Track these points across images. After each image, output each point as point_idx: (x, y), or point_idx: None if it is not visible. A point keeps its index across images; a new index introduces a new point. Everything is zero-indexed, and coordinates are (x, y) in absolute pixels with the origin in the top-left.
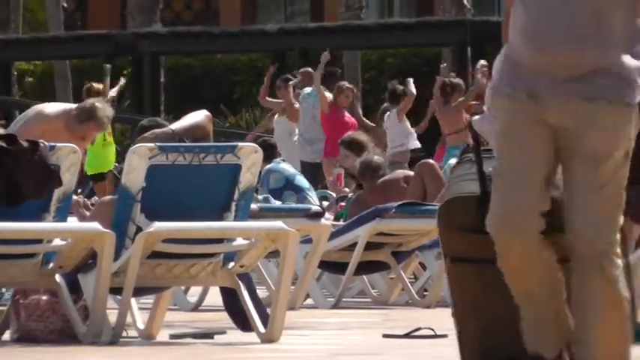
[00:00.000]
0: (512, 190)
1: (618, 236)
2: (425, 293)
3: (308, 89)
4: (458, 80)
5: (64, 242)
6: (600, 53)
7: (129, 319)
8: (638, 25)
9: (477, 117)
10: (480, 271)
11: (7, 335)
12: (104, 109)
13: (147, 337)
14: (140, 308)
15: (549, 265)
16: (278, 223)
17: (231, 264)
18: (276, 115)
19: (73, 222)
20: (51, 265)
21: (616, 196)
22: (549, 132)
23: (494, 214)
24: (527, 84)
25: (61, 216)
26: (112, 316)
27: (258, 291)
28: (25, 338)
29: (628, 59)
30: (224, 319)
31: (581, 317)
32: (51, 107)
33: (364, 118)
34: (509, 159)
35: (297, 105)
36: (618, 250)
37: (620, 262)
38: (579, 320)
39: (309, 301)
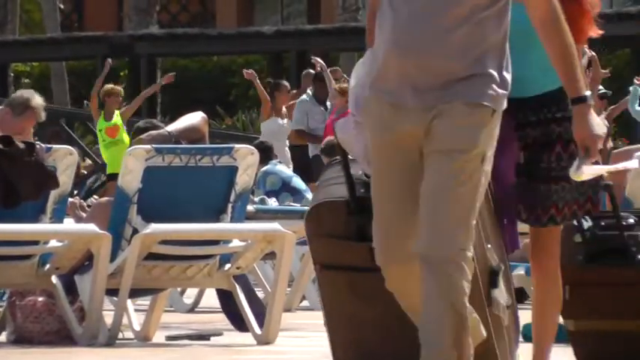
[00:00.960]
0: (385, 216)
1: (470, 244)
2: None
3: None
4: None
5: (60, 244)
6: (466, 61)
7: (125, 321)
8: (504, 34)
9: (339, 121)
10: (350, 279)
11: (3, 336)
12: (35, 97)
13: (143, 339)
14: (136, 310)
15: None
16: (274, 225)
17: (228, 266)
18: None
19: (69, 223)
20: (47, 266)
21: (470, 200)
22: (416, 145)
23: (375, 240)
24: (391, 93)
25: (58, 217)
26: (108, 317)
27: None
28: (22, 339)
29: (492, 67)
30: (220, 320)
31: (424, 320)
32: None
33: None
34: (380, 180)
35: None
36: (468, 254)
37: (467, 270)
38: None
39: (305, 302)
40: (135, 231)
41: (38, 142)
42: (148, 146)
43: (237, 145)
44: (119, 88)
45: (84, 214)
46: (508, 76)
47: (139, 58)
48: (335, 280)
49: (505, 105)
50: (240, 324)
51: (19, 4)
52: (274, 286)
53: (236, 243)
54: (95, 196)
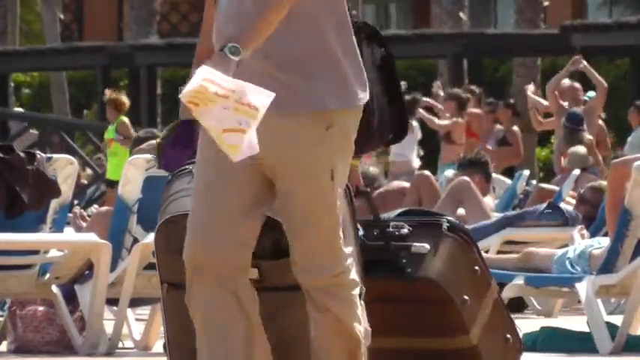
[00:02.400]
0: (209, 222)
1: (347, 262)
2: None
3: None
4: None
5: (60, 253)
6: (284, 65)
7: (125, 330)
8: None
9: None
10: None
11: (3, 346)
12: None
13: (143, 348)
14: (136, 319)
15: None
16: None
17: None
18: None
19: (69, 233)
20: (47, 276)
21: (330, 224)
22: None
23: (189, 243)
24: None
25: (58, 227)
26: (109, 326)
27: None
28: (22, 349)
29: (319, 72)
30: None
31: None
32: None
33: None
34: (206, 180)
35: None
36: (350, 277)
37: (352, 291)
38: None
39: None
40: (135, 240)
41: (38, 152)
42: (148, 156)
43: None
44: (108, 100)
45: (84, 224)
46: (350, 81)
47: (138, 68)
48: (183, 303)
49: (360, 114)
50: None
51: (19, 15)
52: None
53: None
54: (95, 206)
